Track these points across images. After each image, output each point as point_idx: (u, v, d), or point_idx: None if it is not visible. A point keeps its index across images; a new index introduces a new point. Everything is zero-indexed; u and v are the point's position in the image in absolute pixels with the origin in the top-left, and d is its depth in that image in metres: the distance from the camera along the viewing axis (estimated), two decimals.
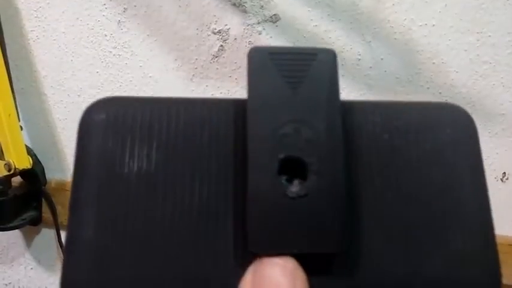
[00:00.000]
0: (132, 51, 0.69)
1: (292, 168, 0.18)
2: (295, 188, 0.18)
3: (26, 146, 0.70)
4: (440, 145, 0.20)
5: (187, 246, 0.18)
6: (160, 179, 0.19)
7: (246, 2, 0.65)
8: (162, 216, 0.18)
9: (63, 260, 0.18)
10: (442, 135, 0.20)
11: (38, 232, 0.77)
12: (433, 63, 0.61)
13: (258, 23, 0.66)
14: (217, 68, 0.67)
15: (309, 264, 0.17)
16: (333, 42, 0.63)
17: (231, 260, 0.18)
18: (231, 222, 0.18)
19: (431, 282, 0.19)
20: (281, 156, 0.18)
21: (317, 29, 0.63)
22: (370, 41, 0.62)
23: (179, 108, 0.20)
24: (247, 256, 0.18)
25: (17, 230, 0.76)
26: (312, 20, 0.63)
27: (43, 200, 0.72)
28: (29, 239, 0.78)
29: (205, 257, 0.18)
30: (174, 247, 0.18)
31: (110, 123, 0.19)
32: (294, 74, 0.19)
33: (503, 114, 0.61)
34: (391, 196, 0.19)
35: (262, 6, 0.65)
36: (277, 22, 0.65)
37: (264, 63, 0.19)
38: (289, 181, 0.18)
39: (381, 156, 0.20)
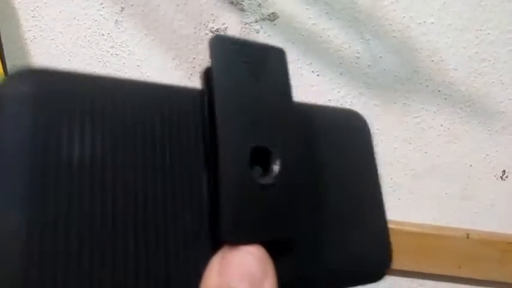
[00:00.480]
0: (129, 50, 0.69)
1: (262, 158, 0.18)
2: (264, 177, 0.18)
3: None
4: (340, 148, 0.23)
5: (147, 242, 0.16)
6: (110, 169, 0.15)
7: (243, 1, 0.65)
8: (113, 216, 0.15)
9: None
10: (341, 138, 0.23)
11: None
12: (432, 61, 0.61)
13: (256, 21, 0.65)
14: None
15: (274, 251, 0.18)
16: (331, 41, 0.63)
17: (197, 250, 0.17)
18: (196, 213, 0.17)
19: (332, 273, 0.21)
20: (252, 145, 0.18)
21: (315, 28, 0.63)
22: (368, 39, 0.62)
23: (133, 91, 0.17)
24: (216, 246, 0.17)
25: None
26: (310, 18, 0.63)
27: None
28: None
29: (166, 249, 0.16)
30: (131, 241, 0.15)
31: (40, 100, 0.14)
32: (255, 67, 0.19)
33: (502, 112, 0.61)
34: (323, 188, 0.21)
35: (259, 5, 0.65)
36: (275, 20, 0.65)
37: (227, 52, 0.19)
38: (261, 170, 0.18)
39: (312, 153, 0.22)
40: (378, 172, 0.24)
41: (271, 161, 0.18)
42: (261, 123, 0.18)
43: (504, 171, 0.62)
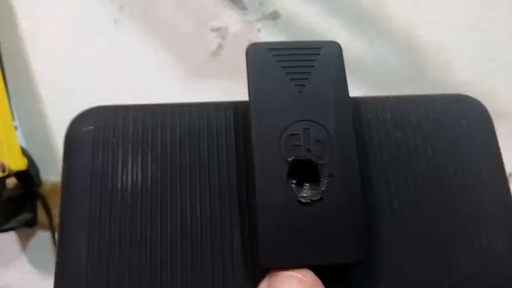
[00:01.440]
0: (128, 49, 0.68)
1: (304, 171, 0.16)
2: (307, 193, 0.16)
3: (21, 146, 0.69)
4: (455, 140, 0.19)
5: (192, 266, 0.16)
6: (158, 193, 0.17)
7: None
8: (162, 235, 0.17)
9: (54, 284, 0.16)
10: (456, 129, 0.19)
11: (33, 234, 0.76)
12: (438, 60, 0.60)
13: (257, 20, 0.64)
14: (215, 66, 0.66)
15: (327, 275, 0.16)
16: (335, 40, 0.62)
17: (241, 276, 0.17)
18: (239, 236, 0.17)
19: (456, 286, 0.17)
20: (290, 159, 0.16)
21: (318, 26, 0.62)
22: (373, 39, 0.61)
23: (173, 114, 0.18)
24: (259, 271, 0.16)
25: (12, 232, 0.75)
26: (312, 17, 0.62)
27: (38, 201, 0.71)
28: (24, 242, 0.77)
29: (212, 276, 0.16)
30: (177, 267, 0.16)
31: (99, 135, 0.18)
32: (298, 71, 0.17)
33: (509, 113, 0.60)
34: (408, 198, 0.18)
35: (261, 3, 0.64)
36: (277, 19, 0.64)
37: (265, 60, 0.17)
38: (301, 186, 0.16)
39: (394, 156, 0.19)
40: (504, 169, 0.19)
41: (318, 174, 0.16)
42: (305, 132, 0.17)
43: (511, 174, 0.61)
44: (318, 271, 0.16)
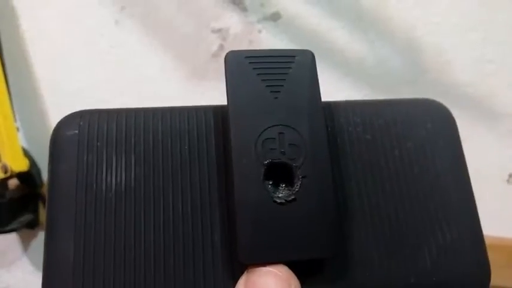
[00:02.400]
0: (129, 50, 0.68)
1: (279, 173, 0.18)
2: (282, 193, 0.17)
3: (23, 147, 0.69)
4: (421, 142, 0.21)
5: (174, 262, 0.17)
6: (141, 193, 0.18)
7: (246, 0, 0.64)
8: (145, 233, 0.18)
9: (42, 284, 0.17)
10: (422, 131, 0.21)
11: (35, 235, 0.76)
12: (438, 62, 0.60)
13: (258, 21, 0.65)
14: (216, 67, 0.66)
15: (301, 269, 0.17)
16: (335, 41, 0.62)
17: (221, 272, 0.18)
18: (219, 234, 0.18)
19: (423, 280, 0.19)
20: (266, 161, 0.17)
21: (319, 28, 0.62)
22: (373, 40, 0.61)
23: (156, 118, 0.19)
24: (238, 267, 0.17)
25: (14, 233, 0.75)
26: (313, 18, 0.62)
27: (40, 203, 0.71)
28: (26, 242, 0.77)
29: (193, 271, 0.17)
30: (160, 264, 0.17)
31: (83, 138, 0.19)
32: (273, 78, 0.19)
33: (509, 114, 0.60)
34: (378, 196, 0.19)
35: (262, 4, 0.64)
36: (278, 20, 0.64)
37: (242, 68, 0.19)
38: (276, 186, 0.17)
39: (364, 157, 0.20)
40: (467, 168, 0.21)
41: (293, 175, 0.17)
42: (280, 136, 0.18)
43: (511, 174, 0.61)
44: (293, 266, 0.17)
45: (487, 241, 0.20)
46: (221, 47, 0.66)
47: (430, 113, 0.21)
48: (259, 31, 0.65)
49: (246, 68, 0.18)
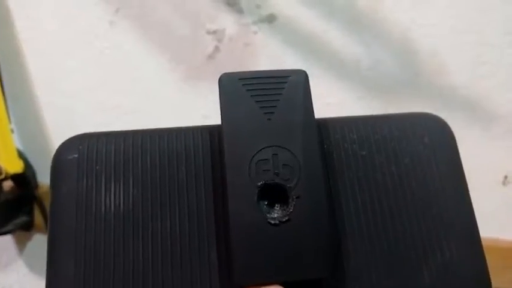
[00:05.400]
0: (124, 51, 0.68)
1: (273, 194, 0.18)
2: (276, 213, 0.17)
3: (17, 149, 0.68)
4: (419, 156, 0.20)
5: (171, 282, 0.18)
6: (139, 215, 0.18)
7: (241, 2, 0.64)
8: (143, 254, 0.18)
9: None
10: (419, 146, 0.20)
11: (30, 237, 0.76)
12: (433, 63, 0.60)
13: (254, 23, 0.64)
14: (212, 69, 0.66)
15: None
16: (331, 43, 0.62)
17: None
18: (215, 255, 0.18)
19: None
20: (259, 183, 0.18)
21: (314, 30, 0.62)
22: (369, 42, 0.61)
23: (153, 139, 0.20)
24: None
25: (8, 236, 0.74)
26: (309, 20, 0.62)
27: (35, 204, 0.71)
28: (21, 245, 0.77)
29: None
30: (158, 284, 0.18)
31: (83, 162, 0.19)
32: (267, 99, 0.19)
33: (503, 115, 0.61)
34: (375, 213, 0.19)
35: (258, 6, 0.64)
36: (273, 22, 0.64)
37: (236, 90, 0.19)
38: (271, 207, 0.18)
39: (360, 174, 0.20)
40: (466, 182, 0.20)
41: (287, 196, 0.18)
42: (274, 157, 0.18)
43: (506, 176, 0.61)
44: (289, 287, 0.17)
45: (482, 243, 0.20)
46: (216, 48, 0.66)
47: (427, 128, 0.21)
48: (255, 33, 0.65)
49: (240, 90, 0.19)
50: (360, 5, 0.60)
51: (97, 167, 0.19)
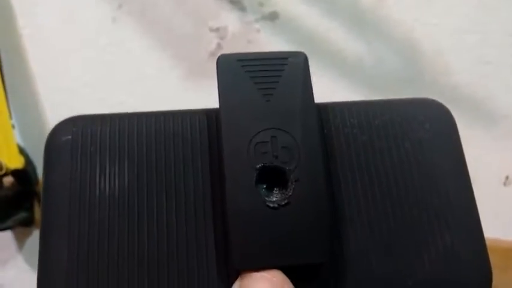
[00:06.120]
0: (126, 48, 0.68)
1: (272, 177, 0.17)
2: (275, 197, 0.17)
3: (18, 145, 0.68)
4: (420, 142, 0.20)
5: (168, 268, 0.17)
6: (134, 198, 0.18)
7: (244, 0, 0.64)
8: (138, 238, 0.17)
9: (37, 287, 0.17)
10: (420, 131, 0.20)
11: (30, 233, 0.76)
12: (436, 63, 0.60)
13: (256, 20, 0.64)
14: (214, 67, 0.66)
15: (296, 274, 0.17)
16: (334, 42, 0.62)
17: (215, 278, 0.17)
18: (213, 239, 0.18)
19: (421, 284, 0.18)
20: (258, 166, 0.17)
21: (317, 28, 0.62)
22: (371, 40, 0.61)
23: (149, 122, 0.19)
24: (232, 273, 0.17)
25: (8, 231, 0.74)
26: (311, 18, 0.62)
27: (35, 200, 0.71)
28: (21, 241, 0.77)
29: (187, 276, 0.17)
30: (154, 269, 0.17)
31: (77, 144, 0.18)
32: (265, 81, 0.18)
33: (506, 115, 0.60)
34: (375, 199, 0.19)
35: (260, 4, 0.64)
36: (276, 20, 0.64)
37: (234, 71, 0.18)
38: (269, 190, 0.17)
39: (360, 159, 0.19)
40: (467, 170, 0.20)
41: (286, 179, 0.17)
42: (272, 139, 0.17)
43: (507, 176, 0.61)
44: (288, 271, 0.17)
45: None
46: (219, 46, 0.66)
47: (428, 113, 0.21)
48: (258, 30, 0.64)
49: (238, 71, 0.18)
50: (362, 4, 0.60)
51: (91, 149, 0.18)
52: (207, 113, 0.20)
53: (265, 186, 0.17)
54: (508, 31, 0.59)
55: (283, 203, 0.17)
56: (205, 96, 0.65)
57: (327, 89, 0.62)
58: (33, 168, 0.71)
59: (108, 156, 0.18)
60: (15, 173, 0.67)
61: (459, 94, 0.60)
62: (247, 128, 0.18)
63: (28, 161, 0.70)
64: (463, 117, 0.61)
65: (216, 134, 0.19)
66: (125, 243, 0.17)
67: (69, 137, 0.19)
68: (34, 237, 0.76)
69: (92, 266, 0.17)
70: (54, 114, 0.73)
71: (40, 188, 0.71)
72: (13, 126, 0.68)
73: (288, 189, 0.17)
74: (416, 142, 0.20)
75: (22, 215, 0.71)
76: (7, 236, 0.76)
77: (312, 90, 0.19)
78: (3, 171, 0.64)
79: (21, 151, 0.69)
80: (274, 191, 0.17)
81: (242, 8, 0.64)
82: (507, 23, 0.59)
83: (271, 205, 0.17)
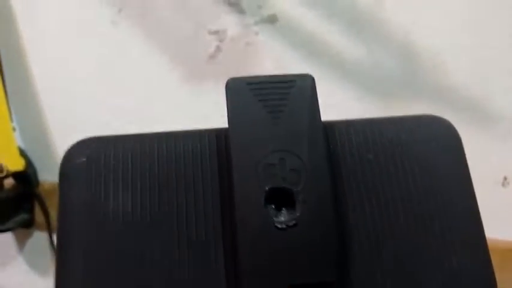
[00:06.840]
0: (126, 51, 0.68)
1: (280, 198, 0.18)
2: (283, 218, 0.17)
3: (19, 147, 0.68)
4: (426, 161, 0.20)
5: (179, 285, 0.18)
6: (147, 221, 0.18)
7: (243, 2, 0.64)
8: (152, 259, 0.18)
9: None
10: (426, 149, 0.20)
11: (30, 235, 0.76)
12: (433, 65, 0.61)
13: (255, 23, 0.65)
14: (213, 69, 0.66)
15: None
16: (332, 44, 0.62)
17: None
18: (222, 259, 0.18)
19: None
20: (267, 187, 0.18)
21: (315, 30, 0.62)
22: (369, 42, 0.61)
23: (160, 144, 0.20)
24: None
25: (9, 233, 0.74)
26: (310, 21, 0.62)
27: (36, 202, 0.71)
28: (21, 243, 0.77)
29: None
30: (166, 285, 0.18)
31: (91, 166, 0.19)
32: (274, 103, 0.19)
33: (504, 117, 0.61)
34: (381, 219, 0.19)
35: (259, 7, 0.64)
36: (275, 23, 0.64)
37: (243, 93, 0.19)
38: (278, 210, 0.18)
39: (367, 178, 0.20)
40: (473, 187, 0.20)
41: (294, 201, 0.18)
42: (281, 161, 0.18)
43: (505, 177, 0.61)
44: None
45: None
46: (218, 48, 0.66)
47: (434, 131, 0.21)
48: (256, 33, 0.65)
49: (247, 94, 0.19)
50: (361, 6, 0.61)
51: (105, 171, 0.19)
52: (217, 133, 0.20)
53: (274, 206, 0.18)
54: (507, 33, 0.59)
55: (291, 224, 0.17)
56: (204, 98, 0.66)
57: (325, 91, 0.63)
58: (34, 171, 0.71)
59: (121, 178, 0.19)
60: (16, 175, 0.67)
61: (457, 95, 0.61)
62: (256, 150, 0.18)
63: (29, 163, 0.70)
64: (461, 119, 0.61)
65: (226, 155, 0.19)
66: (138, 264, 0.18)
67: (84, 159, 0.19)
68: (34, 239, 0.76)
69: (107, 285, 0.18)
70: (54, 117, 0.73)
71: (40, 189, 0.72)
72: (14, 129, 0.69)
73: (296, 211, 0.17)
74: (422, 160, 0.20)
75: (23, 216, 0.71)
76: (8, 237, 0.77)
77: (319, 112, 0.19)
78: (4, 174, 0.64)
79: (22, 153, 0.69)
80: (282, 211, 0.18)
81: (241, 11, 0.65)
82: (505, 25, 0.59)
83: (280, 226, 0.17)
